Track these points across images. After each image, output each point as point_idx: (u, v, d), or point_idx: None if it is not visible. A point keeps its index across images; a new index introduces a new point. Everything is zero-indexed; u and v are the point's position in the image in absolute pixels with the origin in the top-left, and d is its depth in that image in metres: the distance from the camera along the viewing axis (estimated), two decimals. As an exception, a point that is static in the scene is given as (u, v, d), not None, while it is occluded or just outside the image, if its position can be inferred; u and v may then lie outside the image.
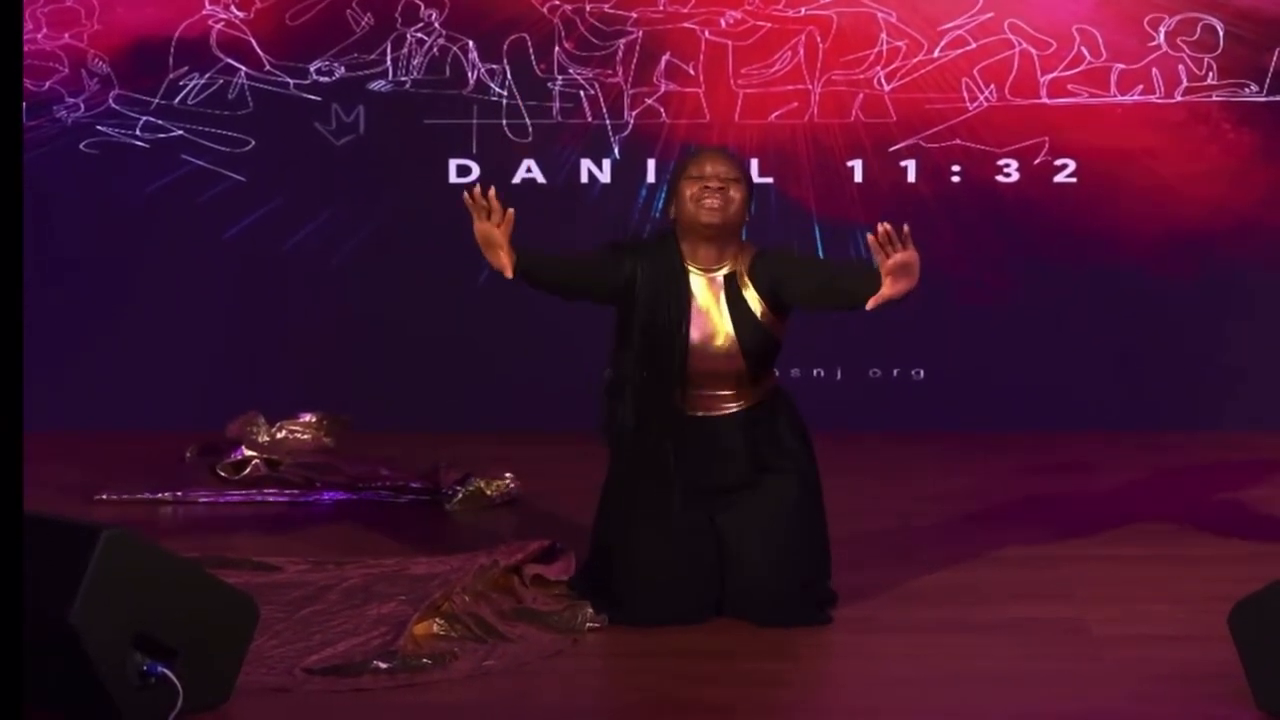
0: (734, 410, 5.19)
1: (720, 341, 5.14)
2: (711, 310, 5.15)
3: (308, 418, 7.36)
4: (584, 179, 8.00)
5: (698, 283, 5.16)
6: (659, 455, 5.14)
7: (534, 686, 4.70)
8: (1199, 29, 7.78)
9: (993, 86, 7.86)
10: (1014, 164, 7.91)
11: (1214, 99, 7.83)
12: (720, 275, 5.17)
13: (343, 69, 7.98)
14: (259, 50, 7.97)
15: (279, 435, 7.27)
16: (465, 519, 6.54)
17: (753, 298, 5.13)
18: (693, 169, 5.16)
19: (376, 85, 7.99)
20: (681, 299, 5.12)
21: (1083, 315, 7.91)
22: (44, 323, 7.79)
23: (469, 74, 7.97)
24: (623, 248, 5.22)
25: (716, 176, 5.12)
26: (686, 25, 7.91)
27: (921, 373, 7.99)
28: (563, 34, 7.93)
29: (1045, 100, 7.86)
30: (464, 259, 8.03)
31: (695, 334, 5.13)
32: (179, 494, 6.81)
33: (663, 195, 7.91)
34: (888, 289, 4.82)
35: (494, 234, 4.91)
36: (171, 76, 7.98)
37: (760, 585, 5.11)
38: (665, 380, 5.12)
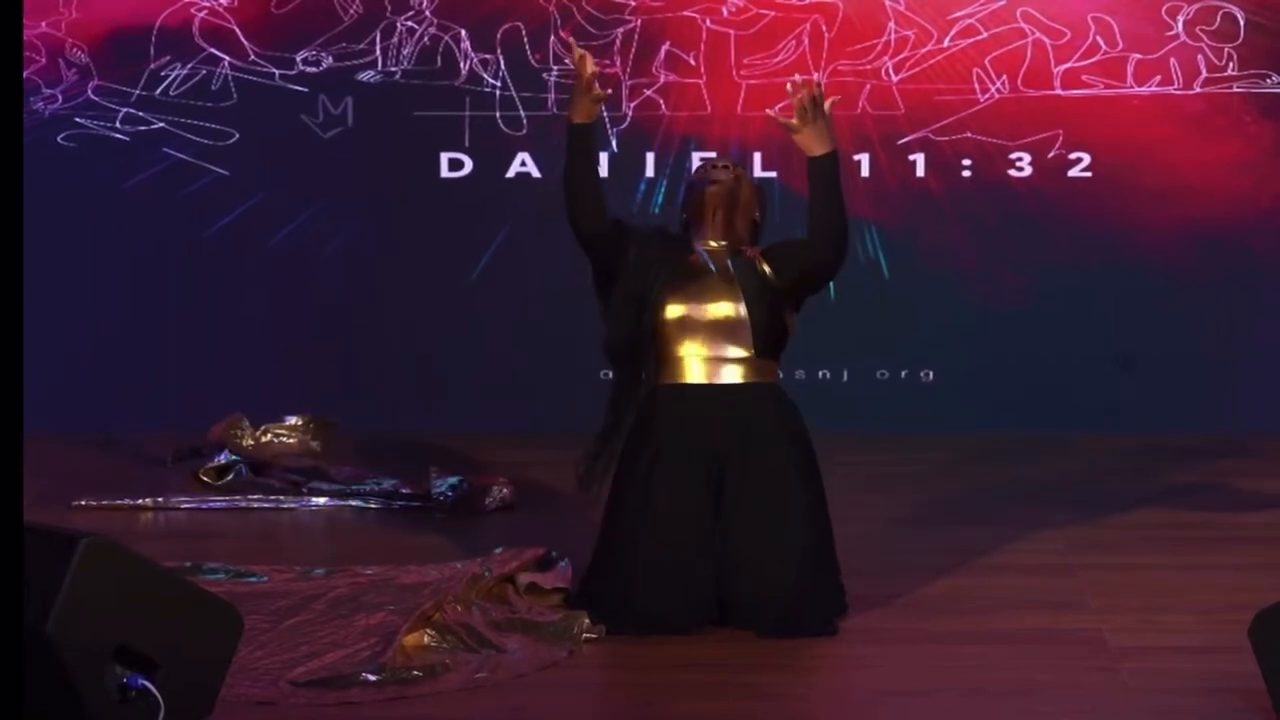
0: (734, 382, 5.24)
1: (726, 308, 5.22)
2: (718, 275, 5.23)
3: (293, 420, 7.38)
4: (581, 173, 7.98)
5: (704, 254, 5.27)
6: (660, 426, 5.20)
7: (528, 699, 4.70)
8: (1219, 18, 7.78)
9: (1005, 77, 7.86)
10: (1027, 158, 7.91)
11: (1235, 90, 7.83)
12: (728, 250, 5.28)
13: (330, 59, 7.98)
14: (243, 39, 7.97)
15: (264, 439, 7.28)
16: (457, 526, 6.53)
17: (765, 270, 5.25)
18: (699, 163, 5.49)
19: (365, 76, 7.98)
20: (676, 266, 5.24)
21: (1098, 314, 7.91)
22: (20, 322, 7.78)
23: (461, 64, 7.97)
24: (631, 229, 5.36)
25: (723, 160, 5.37)
26: (687, 13, 7.90)
27: (931, 374, 7.99)
28: (558, 22, 7.92)
29: (1059, 91, 7.86)
30: (456, 255, 8.07)
31: (699, 296, 5.22)
32: (159, 500, 6.81)
33: (662, 190, 7.93)
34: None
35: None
36: (152, 67, 7.97)
37: (766, 594, 5.11)
38: (641, 333, 5.23)
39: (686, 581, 5.14)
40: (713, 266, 5.25)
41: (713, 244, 5.30)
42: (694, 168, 5.52)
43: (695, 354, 5.24)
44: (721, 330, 5.23)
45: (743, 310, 5.21)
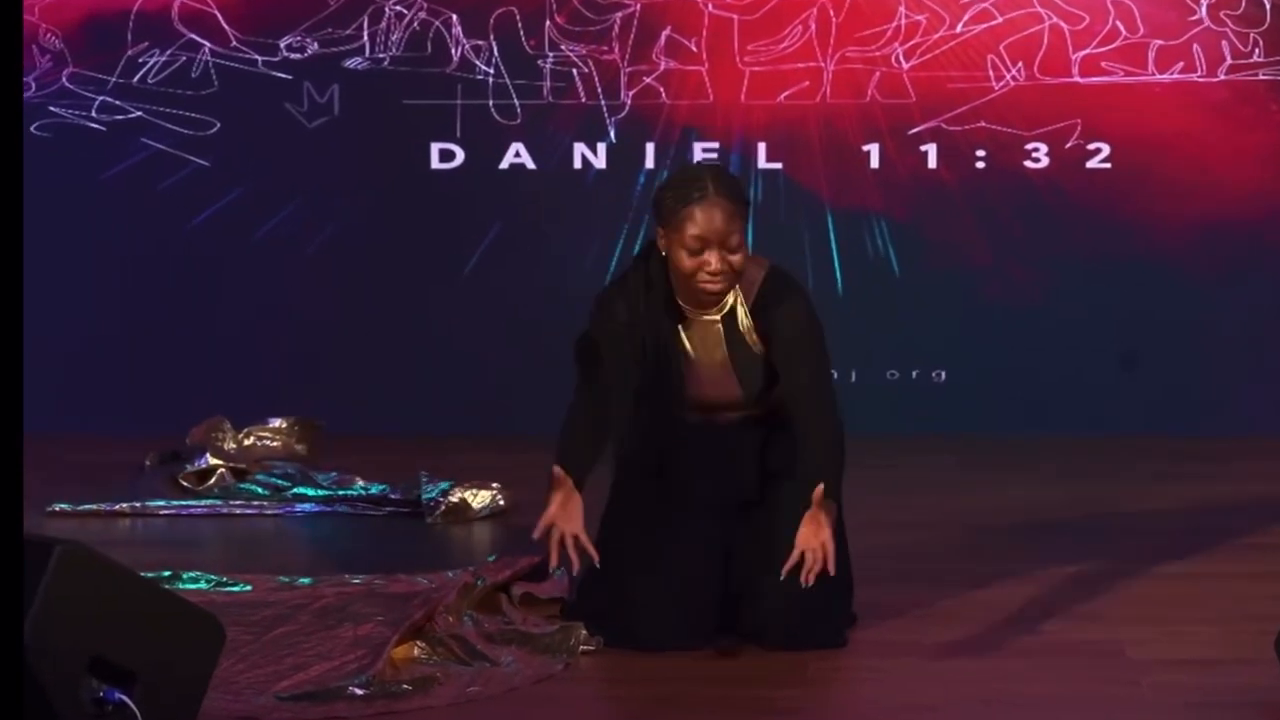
0: (740, 417, 5.21)
1: (720, 385, 5.15)
2: (710, 354, 5.14)
3: (278, 423, 7.37)
4: (577, 164, 8.00)
5: (692, 329, 5.12)
6: (665, 463, 5.18)
7: (522, 713, 4.70)
8: (1244, 2, 7.79)
9: (1020, 64, 7.87)
10: (1043, 148, 7.92)
11: (1260, 77, 7.84)
12: (719, 315, 5.11)
13: (316, 45, 7.99)
14: (225, 25, 7.98)
15: (246, 442, 7.28)
16: (448, 533, 6.54)
17: (752, 340, 5.11)
18: (689, 226, 4.91)
19: (352, 63, 7.99)
20: (675, 357, 5.12)
21: (1116, 311, 7.92)
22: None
23: (452, 51, 7.98)
24: (613, 344, 5.10)
25: (718, 241, 4.91)
26: (688, -3, 7.93)
27: (943, 374, 8.00)
28: (554, 7, 7.93)
29: (1077, 79, 7.87)
30: (446, 250, 8.08)
31: (692, 382, 5.14)
32: (138, 505, 6.82)
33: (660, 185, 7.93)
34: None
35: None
36: (130, 53, 7.99)
37: (774, 605, 5.11)
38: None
39: (688, 609, 5.13)
40: (707, 341, 5.12)
41: (703, 316, 5.10)
42: (678, 217, 4.92)
43: (697, 412, 5.20)
44: (719, 394, 5.16)
45: (735, 385, 5.12)
